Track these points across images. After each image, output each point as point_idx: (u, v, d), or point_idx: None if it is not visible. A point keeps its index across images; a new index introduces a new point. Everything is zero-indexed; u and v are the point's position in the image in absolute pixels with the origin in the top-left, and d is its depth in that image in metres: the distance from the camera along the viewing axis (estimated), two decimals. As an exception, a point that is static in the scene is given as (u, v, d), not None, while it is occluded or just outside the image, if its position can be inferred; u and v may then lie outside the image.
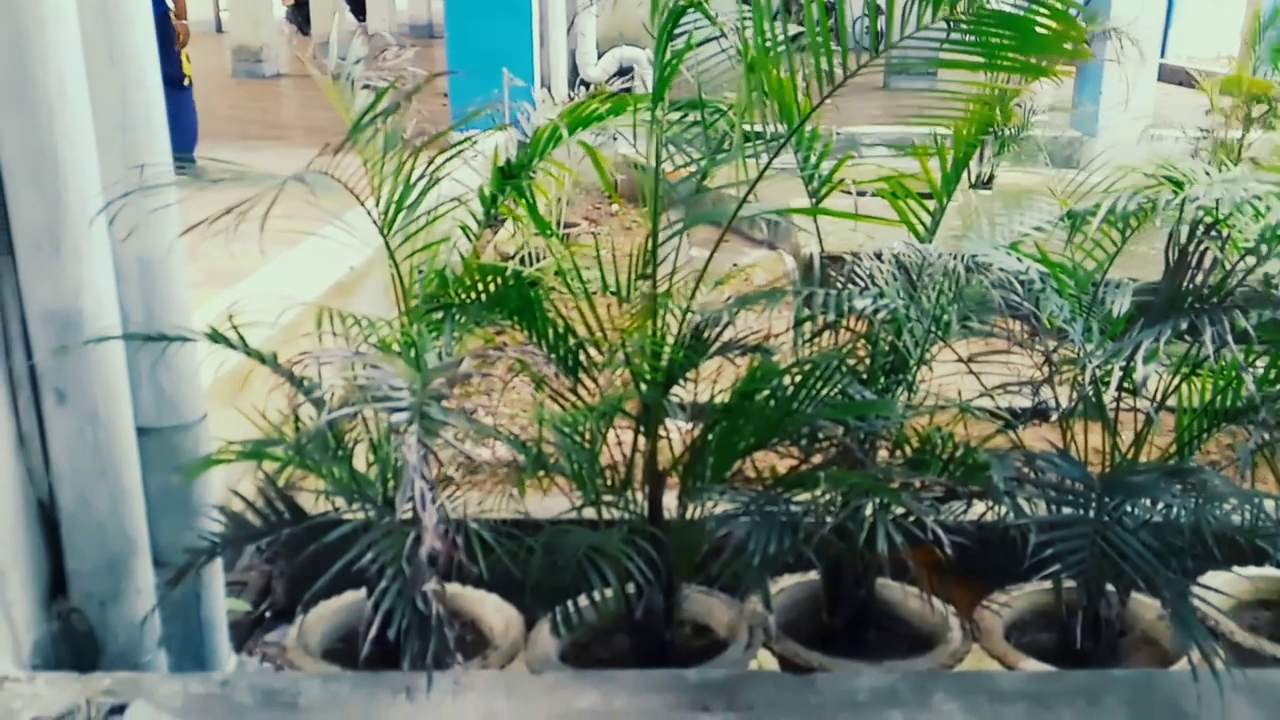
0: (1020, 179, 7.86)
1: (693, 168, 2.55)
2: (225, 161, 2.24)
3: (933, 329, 2.57)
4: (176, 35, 7.39)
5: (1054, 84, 3.94)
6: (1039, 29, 2.21)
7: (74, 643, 2.38)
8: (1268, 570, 2.82)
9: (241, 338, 2.43)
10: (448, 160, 2.52)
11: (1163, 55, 10.57)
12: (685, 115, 2.57)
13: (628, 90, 2.62)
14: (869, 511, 2.33)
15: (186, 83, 7.49)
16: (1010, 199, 2.92)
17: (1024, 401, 2.71)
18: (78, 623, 2.38)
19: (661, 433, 2.57)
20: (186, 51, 7.52)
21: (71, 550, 2.36)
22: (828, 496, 2.43)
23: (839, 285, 2.53)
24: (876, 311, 2.40)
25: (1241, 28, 10.38)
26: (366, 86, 2.55)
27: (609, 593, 2.46)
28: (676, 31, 2.39)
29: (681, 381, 2.55)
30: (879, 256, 2.47)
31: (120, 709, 1.98)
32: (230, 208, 2.03)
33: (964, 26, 2.24)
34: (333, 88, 2.55)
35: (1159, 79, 9.88)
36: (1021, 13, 2.21)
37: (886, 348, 2.62)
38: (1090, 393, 2.55)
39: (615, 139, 2.79)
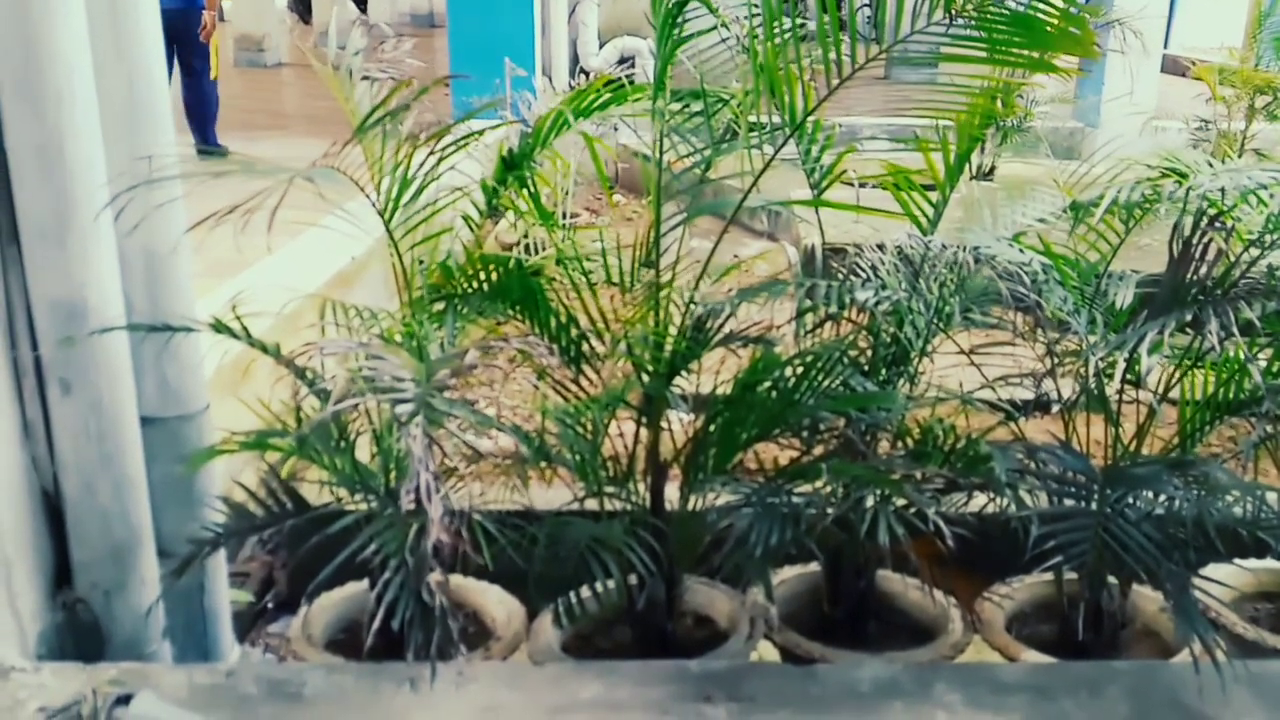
0: (1022, 170, 7.85)
1: (695, 158, 2.55)
2: (233, 153, 2.24)
3: (934, 321, 2.57)
4: (204, 26, 7.50)
5: (1060, 78, 3.94)
6: (1047, 27, 2.21)
7: (79, 633, 2.39)
8: (1269, 563, 2.82)
9: (245, 328, 2.43)
10: (451, 153, 2.52)
11: (1166, 46, 10.53)
12: (687, 105, 2.57)
13: (629, 79, 2.61)
14: (870, 503, 2.33)
15: (213, 76, 7.57)
16: (1012, 190, 2.91)
17: (1026, 393, 2.71)
18: (83, 613, 2.39)
19: (663, 424, 2.58)
20: (216, 41, 7.62)
21: (76, 540, 2.37)
22: (829, 488, 2.44)
23: (841, 277, 2.54)
24: (878, 303, 2.41)
25: (1246, 18, 10.35)
26: (365, 78, 2.54)
27: (611, 584, 2.46)
28: (678, 22, 2.39)
29: (683, 373, 2.55)
30: (881, 248, 2.48)
31: (126, 699, 1.98)
32: (239, 204, 2.02)
33: (972, 21, 2.24)
34: (333, 79, 2.55)
35: (1162, 70, 9.84)
36: (1023, 8, 2.21)
37: (888, 339, 2.62)
38: (1093, 385, 2.55)
39: (617, 129, 2.79)
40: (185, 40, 7.55)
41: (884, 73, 2.55)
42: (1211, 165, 2.64)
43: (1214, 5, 15.38)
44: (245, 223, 1.97)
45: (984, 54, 2.31)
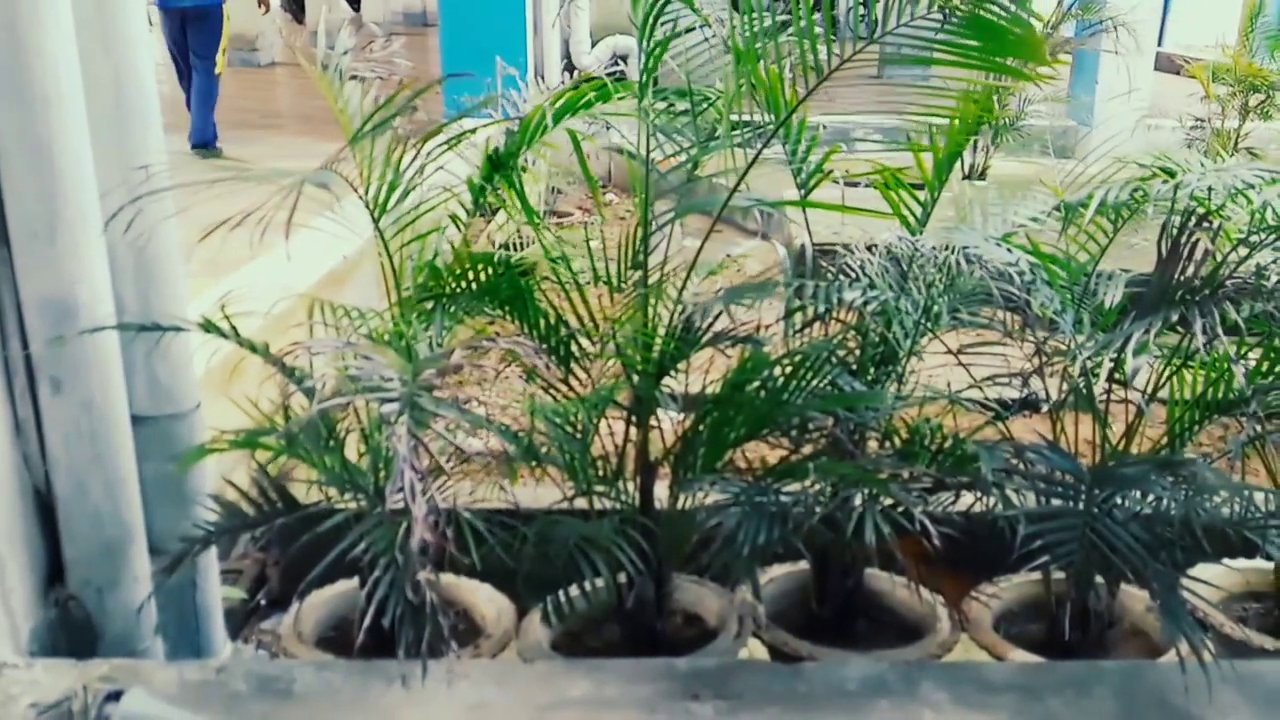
0: (1015, 169, 7.86)
1: (682, 157, 2.56)
2: (232, 160, 2.24)
3: (923, 320, 2.57)
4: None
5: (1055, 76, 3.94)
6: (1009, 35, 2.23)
7: (71, 630, 2.40)
8: (1257, 563, 2.83)
9: (234, 328, 2.43)
10: (442, 154, 2.52)
11: (1160, 44, 10.54)
12: (672, 105, 2.57)
13: (620, 78, 2.61)
14: (858, 502, 2.34)
15: (217, 70, 7.64)
16: (1004, 190, 2.92)
17: (1014, 393, 2.71)
18: (75, 610, 2.39)
19: (653, 423, 2.58)
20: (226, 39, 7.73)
21: (68, 537, 2.37)
22: (817, 487, 2.45)
23: (830, 277, 2.54)
24: (866, 303, 2.41)
25: (1240, 16, 10.35)
26: (354, 77, 2.55)
27: (600, 582, 2.47)
28: (662, 21, 2.40)
29: (673, 372, 2.55)
30: (870, 248, 2.48)
31: (117, 695, 1.99)
32: (249, 210, 2.02)
33: (953, 22, 2.25)
34: (323, 78, 2.55)
35: (1156, 68, 9.85)
36: (993, 18, 2.22)
37: (876, 339, 2.63)
38: (1081, 384, 2.56)
39: (609, 128, 2.79)
40: (198, 34, 7.64)
41: (876, 72, 2.56)
42: (1202, 164, 2.64)
43: (1208, 3, 15.40)
44: (263, 232, 1.97)
45: (964, 55, 2.31)
